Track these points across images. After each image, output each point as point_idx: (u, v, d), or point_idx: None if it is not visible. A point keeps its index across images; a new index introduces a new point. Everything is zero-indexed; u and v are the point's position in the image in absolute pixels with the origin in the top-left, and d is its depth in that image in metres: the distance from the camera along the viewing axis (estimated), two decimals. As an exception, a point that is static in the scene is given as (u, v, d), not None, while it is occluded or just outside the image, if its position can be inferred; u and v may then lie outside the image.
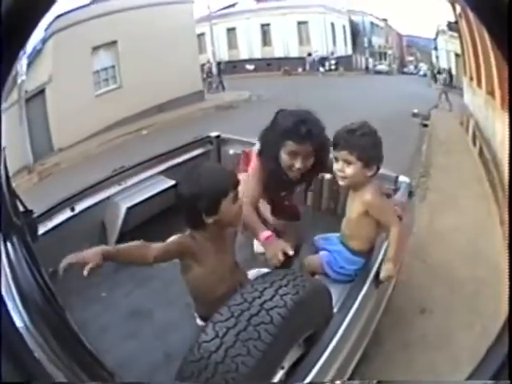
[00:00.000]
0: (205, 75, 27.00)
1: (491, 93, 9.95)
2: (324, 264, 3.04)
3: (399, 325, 4.21)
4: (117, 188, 4.21)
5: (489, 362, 1.39)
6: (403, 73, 58.21)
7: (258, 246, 3.35)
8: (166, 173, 4.60)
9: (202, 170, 2.42)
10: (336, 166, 2.77)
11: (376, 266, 2.80)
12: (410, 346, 3.99)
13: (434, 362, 3.79)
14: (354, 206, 2.84)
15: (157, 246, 2.27)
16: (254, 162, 3.15)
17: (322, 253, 3.11)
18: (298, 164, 2.97)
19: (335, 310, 2.44)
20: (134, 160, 4.54)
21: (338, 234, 3.11)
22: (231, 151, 5.07)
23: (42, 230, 3.36)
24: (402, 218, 2.99)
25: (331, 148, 2.86)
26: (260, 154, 3.13)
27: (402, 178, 3.89)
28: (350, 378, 2.74)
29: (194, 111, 17.87)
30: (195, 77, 21.30)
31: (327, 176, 4.41)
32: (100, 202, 4.06)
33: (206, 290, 2.48)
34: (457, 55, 32.86)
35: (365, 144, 2.72)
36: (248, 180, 3.04)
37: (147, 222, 4.29)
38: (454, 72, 38.20)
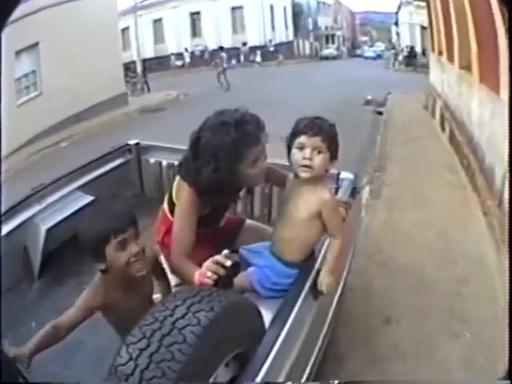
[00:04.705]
0: (128, 75, 26.82)
1: (467, 67, 9.92)
2: (253, 282, 3.01)
3: (361, 339, 4.30)
4: (36, 208, 4.27)
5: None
6: (355, 56, 58.86)
7: (173, 278, 3.41)
8: (84, 188, 4.66)
9: (89, 213, 2.55)
10: (301, 155, 2.73)
11: (312, 275, 2.83)
12: (380, 360, 4.04)
13: (415, 375, 3.85)
14: (305, 205, 2.80)
15: (65, 321, 2.43)
16: (187, 196, 2.92)
17: (249, 269, 3.06)
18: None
19: (267, 326, 2.48)
20: (53, 176, 4.59)
21: (267, 244, 3.11)
22: (152, 160, 5.21)
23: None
24: (344, 219, 3.09)
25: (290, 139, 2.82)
26: (200, 183, 2.84)
27: (345, 175, 3.94)
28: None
29: (117, 117, 17.94)
30: (118, 78, 21.22)
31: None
32: (21, 224, 4.13)
33: (121, 331, 2.63)
34: (423, 28, 33.31)
35: (334, 134, 2.80)
36: (178, 222, 2.93)
37: (69, 241, 4.35)
38: (418, 48, 38.76)
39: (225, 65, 26.72)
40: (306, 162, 2.71)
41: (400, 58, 43.38)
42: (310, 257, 2.98)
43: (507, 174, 5.75)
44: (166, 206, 3.26)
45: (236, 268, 2.52)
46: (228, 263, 2.42)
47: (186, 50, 43.00)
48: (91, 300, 2.51)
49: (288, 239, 2.91)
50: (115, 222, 2.41)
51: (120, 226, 2.41)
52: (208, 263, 2.45)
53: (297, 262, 2.93)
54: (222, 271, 2.42)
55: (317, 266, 2.88)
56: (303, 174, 2.75)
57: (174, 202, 3.05)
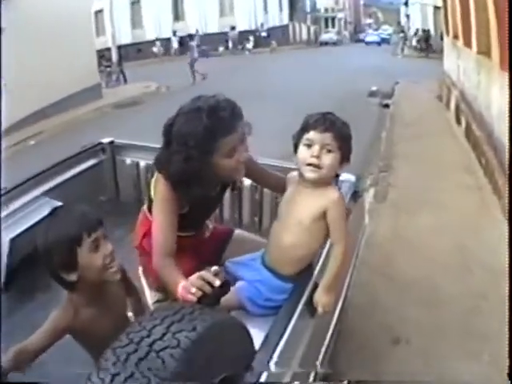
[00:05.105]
0: (102, 64, 26.77)
1: (486, 52, 9.82)
2: (243, 299, 2.98)
3: (366, 362, 4.29)
4: (-1, 216, 4.25)
5: None
6: (358, 40, 58.75)
7: (151, 295, 3.39)
8: (52, 193, 4.61)
9: (53, 217, 2.49)
10: (308, 152, 2.70)
11: (309, 288, 2.80)
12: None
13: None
14: (311, 206, 2.76)
15: (32, 345, 2.42)
16: (163, 190, 2.93)
17: (238, 285, 3.02)
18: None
19: (257, 348, 2.43)
20: (16, 180, 4.55)
21: (256, 255, 3.10)
22: (128, 160, 5.24)
23: None
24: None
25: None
26: (178, 177, 2.85)
27: (345, 176, 3.92)
28: None
29: (89, 111, 17.98)
30: (90, 67, 21.10)
31: (247, 182, 4.45)
32: None
33: (95, 354, 2.60)
34: (436, 8, 33.28)
35: (347, 134, 2.79)
36: (157, 218, 2.94)
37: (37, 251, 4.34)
38: (431, 32, 38.84)
39: (195, 55, 26.93)
40: (313, 161, 2.68)
41: (414, 42, 43.42)
42: (306, 270, 2.95)
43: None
44: (145, 206, 3.29)
45: (225, 288, 2.48)
46: (217, 283, 2.38)
47: (174, 33, 42.76)
48: (60, 322, 2.50)
49: (288, 247, 2.87)
50: (85, 220, 2.42)
51: (91, 224, 2.42)
52: (194, 278, 2.43)
53: (293, 274, 2.91)
54: (208, 289, 2.38)
55: (314, 279, 2.85)
56: (309, 174, 2.72)
57: (152, 198, 3.07)
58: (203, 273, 2.44)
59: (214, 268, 2.49)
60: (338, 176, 3.26)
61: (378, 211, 7.09)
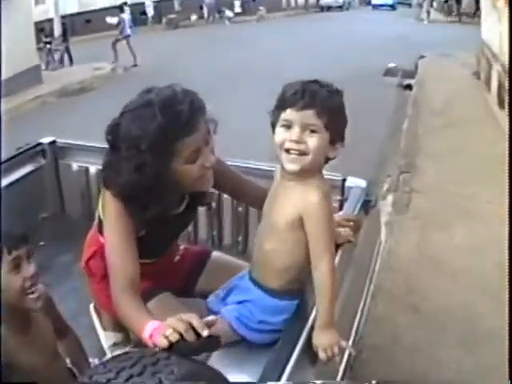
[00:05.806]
0: (42, 40, 26.65)
1: None
2: (233, 322, 2.92)
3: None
4: None
5: None
6: (370, 4, 58.34)
7: (107, 336, 3.42)
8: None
9: None
10: (286, 135, 2.59)
11: (306, 329, 2.71)
12: None
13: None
14: (288, 207, 2.71)
15: None
16: (113, 209, 2.92)
17: (225, 309, 2.98)
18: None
19: None
20: None
21: (245, 272, 3.09)
22: (75, 165, 5.18)
23: None
24: (352, 241, 3.12)
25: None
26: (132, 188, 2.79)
27: (353, 181, 3.93)
28: None
29: (26, 102, 17.90)
30: (27, 44, 20.92)
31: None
32: None
33: None
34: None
35: (337, 105, 2.68)
36: (110, 242, 2.91)
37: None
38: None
39: (127, 31, 26.58)
40: (293, 145, 2.58)
41: (455, 3, 43.28)
42: (300, 287, 2.91)
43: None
44: (96, 223, 3.29)
45: (212, 343, 2.45)
46: (205, 333, 2.32)
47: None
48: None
49: (267, 253, 2.85)
50: (6, 235, 2.43)
51: (13, 240, 2.43)
52: (174, 320, 2.37)
53: (282, 289, 2.87)
54: (191, 336, 2.32)
55: (313, 313, 2.76)
56: (290, 166, 2.63)
57: (101, 218, 3.05)
58: (192, 315, 2.40)
59: (212, 317, 2.53)
60: (344, 180, 3.26)
61: (398, 224, 7.07)
